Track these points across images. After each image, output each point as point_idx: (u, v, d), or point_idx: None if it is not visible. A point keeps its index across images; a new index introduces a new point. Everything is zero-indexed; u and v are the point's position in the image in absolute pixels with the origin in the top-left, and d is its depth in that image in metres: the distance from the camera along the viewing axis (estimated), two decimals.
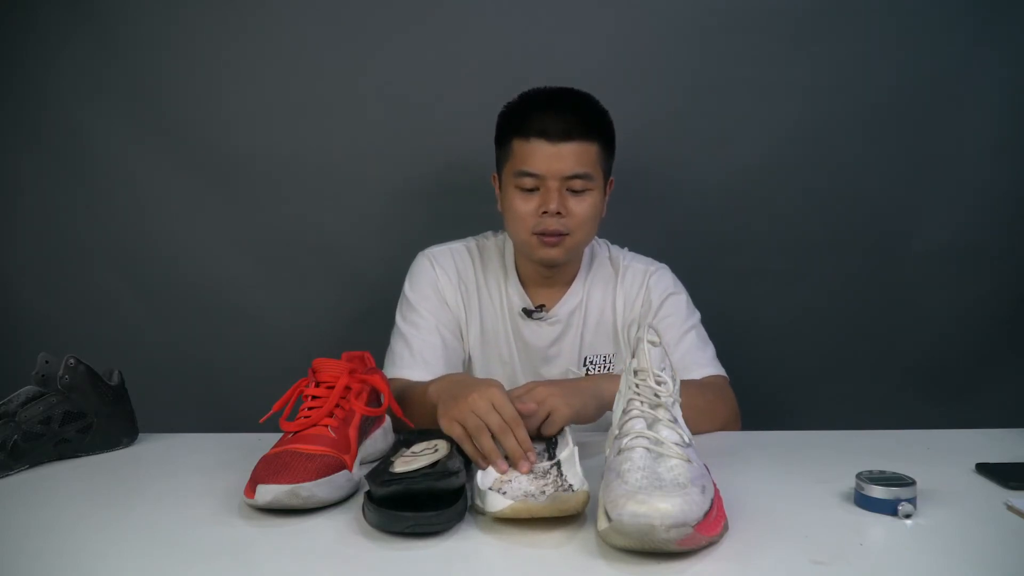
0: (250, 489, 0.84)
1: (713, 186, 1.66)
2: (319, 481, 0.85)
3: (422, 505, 0.79)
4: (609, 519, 0.71)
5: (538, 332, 1.37)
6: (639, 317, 1.35)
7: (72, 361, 1.09)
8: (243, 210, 1.68)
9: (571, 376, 1.36)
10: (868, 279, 1.68)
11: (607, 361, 1.37)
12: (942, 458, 1.01)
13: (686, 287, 1.41)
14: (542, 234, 1.26)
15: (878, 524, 0.81)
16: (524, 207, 1.26)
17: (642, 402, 0.84)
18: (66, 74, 1.63)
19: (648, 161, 1.64)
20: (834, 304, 1.69)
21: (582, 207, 1.25)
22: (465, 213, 1.52)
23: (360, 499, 0.86)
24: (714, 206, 1.66)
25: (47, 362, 1.08)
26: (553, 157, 1.23)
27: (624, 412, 0.84)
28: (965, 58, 1.60)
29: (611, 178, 1.33)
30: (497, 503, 0.79)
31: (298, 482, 0.83)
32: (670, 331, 1.31)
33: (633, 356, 0.89)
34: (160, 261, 1.68)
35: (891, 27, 1.60)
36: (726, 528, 0.77)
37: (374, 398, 1.02)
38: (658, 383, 0.85)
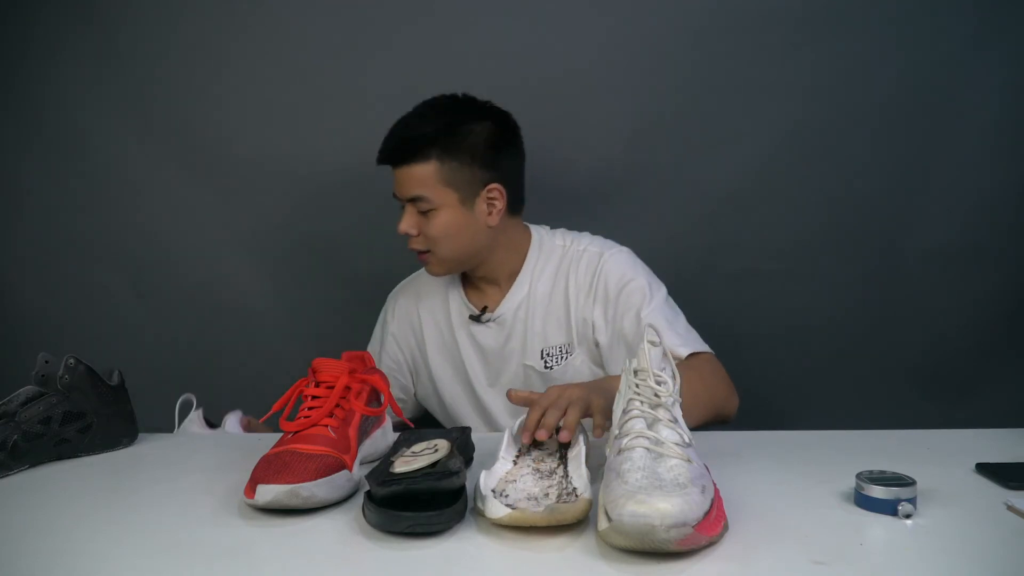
0: (250, 489, 0.84)
1: (713, 186, 1.65)
2: (319, 481, 0.85)
3: (422, 505, 0.78)
4: (609, 519, 0.71)
5: (488, 334, 1.39)
6: (594, 305, 1.33)
7: (72, 361, 1.09)
8: (243, 210, 1.68)
9: (529, 370, 1.36)
10: (868, 279, 1.68)
11: (564, 352, 1.36)
12: (942, 458, 1.00)
13: (686, 288, 1.40)
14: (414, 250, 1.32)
15: (878, 524, 0.81)
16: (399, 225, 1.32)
17: (642, 402, 0.84)
18: (66, 75, 1.63)
19: (648, 161, 1.64)
20: (834, 304, 1.68)
21: (431, 226, 1.29)
22: None
23: (360, 499, 0.86)
24: (714, 206, 1.66)
25: (47, 362, 1.08)
26: (397, 181, 1.30)
27: (624, 412, 0.84)
28: (965, 58, 1.60)
29: (493, 185, 1.29)
30: (496, 510, 0.79)
31: (298, 482, 0.83)
32: (636, 324, 1.28)
33: (634, 356, 0.89)
34: (160, 261, 1.69)
35: (891, 27, 1.60)
36: (726, 528, 0.77)
37: (374, 398, 1.02)
38: (658, 383, 0.85)
